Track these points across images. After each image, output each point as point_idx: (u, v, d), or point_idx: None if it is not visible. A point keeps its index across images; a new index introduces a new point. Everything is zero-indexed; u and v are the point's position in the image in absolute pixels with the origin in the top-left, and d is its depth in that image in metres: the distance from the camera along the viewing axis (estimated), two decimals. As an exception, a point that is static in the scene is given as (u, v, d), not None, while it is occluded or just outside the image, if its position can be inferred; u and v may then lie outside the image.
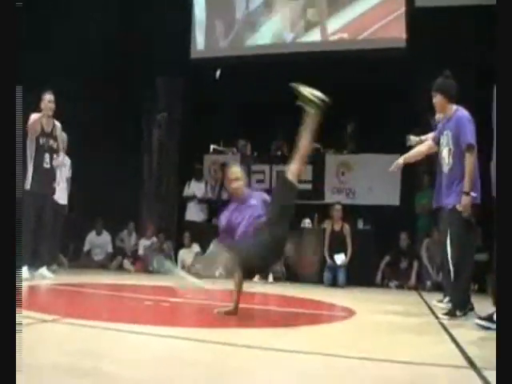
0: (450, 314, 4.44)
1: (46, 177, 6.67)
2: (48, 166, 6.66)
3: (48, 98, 6.58)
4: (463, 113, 4.54)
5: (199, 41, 11.23)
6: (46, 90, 6.65)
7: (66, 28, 9.31)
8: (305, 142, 4.08)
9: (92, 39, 9.68)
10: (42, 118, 6.53)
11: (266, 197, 4.37)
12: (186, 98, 11.38)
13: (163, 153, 11.59)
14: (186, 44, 11.12)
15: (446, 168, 4.63)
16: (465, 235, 4.44)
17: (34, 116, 6.49)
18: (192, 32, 11.22)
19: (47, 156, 6.63)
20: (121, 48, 10.20)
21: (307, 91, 4.16)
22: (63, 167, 7.63)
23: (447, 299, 5.25)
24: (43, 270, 6.62)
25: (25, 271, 6.19)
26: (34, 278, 6.29)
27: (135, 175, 11.29)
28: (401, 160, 5.06)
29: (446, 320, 4.31)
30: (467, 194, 4.35)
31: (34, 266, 6.54)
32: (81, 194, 9.23)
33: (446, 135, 4.60)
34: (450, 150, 4.55)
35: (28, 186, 6.44)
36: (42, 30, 9.02)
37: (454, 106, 4.62)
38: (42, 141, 6.59)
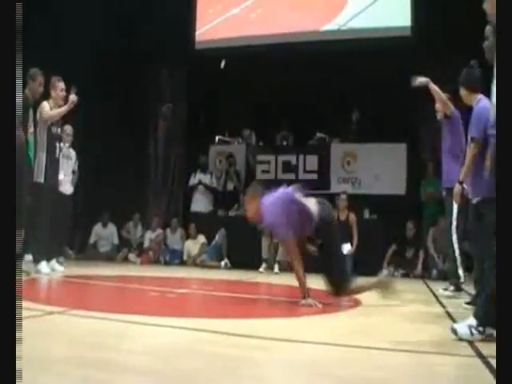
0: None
1: (57, 167, 6.54)
2: (57, 156, 6.52)
3: (60, 86, 6.42)
4: (481, 104, 4.31)
5: (203, 31, 11.23)
6: (57, 77, 6.48)
7: (68, 21, 9.32)
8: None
9: (95, 31, 9.68)
10: (56, 107, 6.38)
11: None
12: (190, 88, 11.37)
13: (169, 144, 11.58)
14: (190, 34, 11.11)
15: None
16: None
17: (46, 105, 6.30)
18: (196, 22, 11.22)
19: (57, 145, 6.48)
20: (124, 40, 10.20)
21: None
22: (69, 160, 7.61)
23: (452, 288, 5.28)
24: (54, 263, 6.56)
25: (44, 266, 6.18)
26: (52, 272, 6.25)
27: (141, 167, 11.30)
28: (424, 79, 5.32)
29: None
30: (460, 183, 4.52)
31: (46, 259, 6.48)
32: (86, 186, 9.25)
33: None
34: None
35: (42, 178, 6.23)
36: (42, 24, 9.00)
37: (478, 96, 4.43)
38: (54, 130, 6.40)
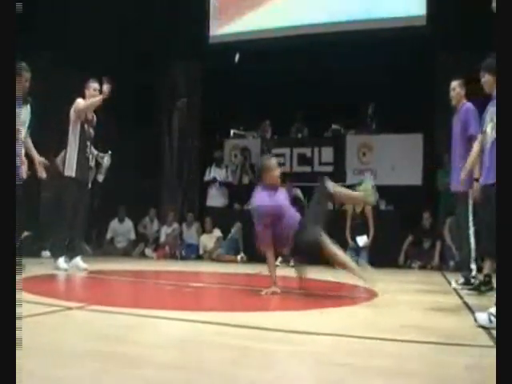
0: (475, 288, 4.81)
1: (87, 165, 6.52)
2: (88, 154, 6.51)
3: (93, 86, 6.44)
4: None
5: (217, 24, 11.22)
6: (91, 77, 6.54)
7: (82, 15, 9.35)
8: None
9: (109, 26, 9.69)
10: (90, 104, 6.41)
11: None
12: (205, 83, 11.37)
13: (184, 139, 11.60)
14: (204, 28, 11.11)
15: (490, 144, 4.45)
16: None
17: (81, 100, 6.36)
18: (210, 15, 11.22)
19: (88, 144, 6.49)
20: (138, 34, 10.21)
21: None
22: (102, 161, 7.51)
23: (462, 280, 5.25)
24: (78, 261, 6.38)
25: (62, 262, 6.18)
26: (70, 269, 6.18)
27: (156, 162, 11.34)
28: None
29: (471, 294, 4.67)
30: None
31: (68, 256, 6.43)
32: (102, 182, 9.29)
33: (491, 113, 4.46)
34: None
35: (72, 173, 6.26)
36: (58, 19, 9.05)
37: None
38: (86, 127, 6.43)
